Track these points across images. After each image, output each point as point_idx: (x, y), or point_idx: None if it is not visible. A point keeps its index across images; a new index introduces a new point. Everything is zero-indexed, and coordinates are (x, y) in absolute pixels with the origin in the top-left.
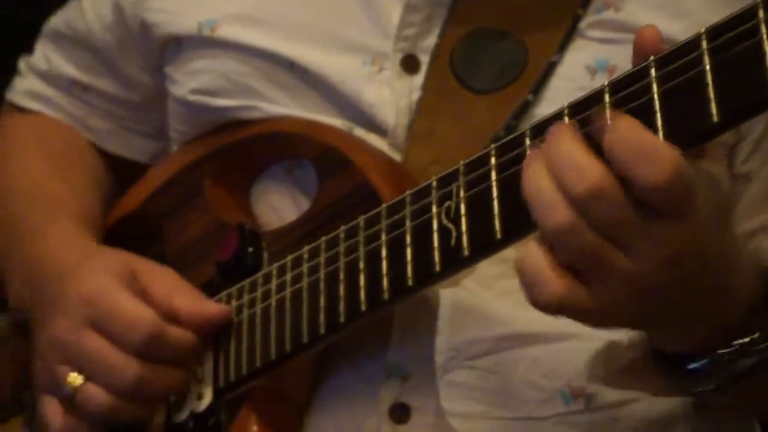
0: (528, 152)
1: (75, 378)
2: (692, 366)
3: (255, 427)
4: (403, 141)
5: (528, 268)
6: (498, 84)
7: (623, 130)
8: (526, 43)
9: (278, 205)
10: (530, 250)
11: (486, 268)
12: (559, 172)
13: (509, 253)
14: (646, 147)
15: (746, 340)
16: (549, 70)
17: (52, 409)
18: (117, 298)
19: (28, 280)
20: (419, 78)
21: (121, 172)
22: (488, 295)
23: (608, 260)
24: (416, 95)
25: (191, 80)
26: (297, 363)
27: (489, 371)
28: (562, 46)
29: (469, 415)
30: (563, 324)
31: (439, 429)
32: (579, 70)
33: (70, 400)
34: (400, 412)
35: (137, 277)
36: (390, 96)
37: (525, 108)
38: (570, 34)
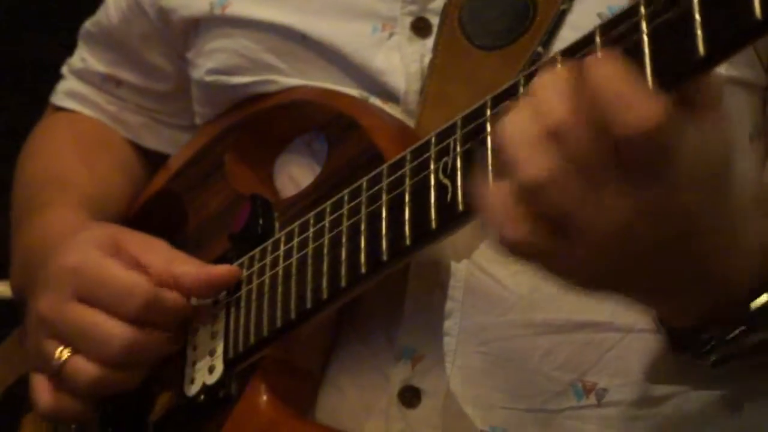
0: None
1: (62, 352)
2: (702, 337)
3: (264, 397)
4: (415, 107)
5: (494, 203)
6: (507, 39)
7: (610, 72)
8: None
9: (298, 177)
10: (496, 187)
11: None
12: (535, 109)
13: None
14: (631, 94)
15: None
16: (559, 20)
17: (39, 386)
18: (106, 267)
19: (23, 262)
20: (431, 41)
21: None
22: (505, 274)
23: (579, 213)
24: (428, 58)
25: (207, 61)
26: (307, 333)
27: (502, 357)
28: None
29: (480, 402)
30: (577, 312)
31: (450, 413)
32: (590, 18)
33: (58, 375)
34: (410, 396)
35: (125, 248)
36: (400, 62)
37: (535, 61)
38: None
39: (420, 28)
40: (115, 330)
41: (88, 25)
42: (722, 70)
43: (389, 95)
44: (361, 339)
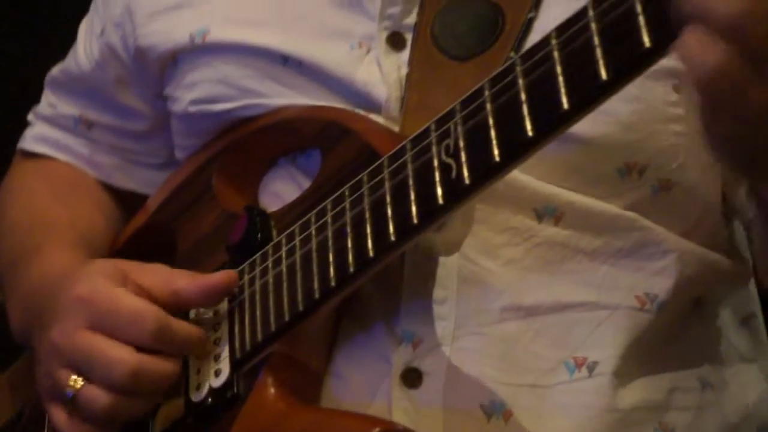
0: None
1: (75, 381)
2: None
3: (272, 390)
4: (397, 114)
5: (689, 42)
6: (480, 48)
7: None
8: (501, 5)
9: (283, 192)
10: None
11: (491, 236)
12: None
13: (513, 221)
14: None
15: None
16: (527, 26)
17: (58, 416)
18: (116, 296)
19: (27, 305)
20: (406, 54)
21: (132, 208)
22: (493, 265)
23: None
24: (404, 70)
25: (189, 93)
26: (311, 328)
27: (497, 339)
28: (536, 4)
29: (479, 380)
30: (566, 294)
31: (450, 391)
32: (556, 23)
33: (72, 404)
34: (412, 377)
35: (129, 276)
36: (380, 73)
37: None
38: None
39: (395, 42)
40: (121, 355)
41: (56, 72)
42: None
43: (372, 105)
44: (361, 327)
